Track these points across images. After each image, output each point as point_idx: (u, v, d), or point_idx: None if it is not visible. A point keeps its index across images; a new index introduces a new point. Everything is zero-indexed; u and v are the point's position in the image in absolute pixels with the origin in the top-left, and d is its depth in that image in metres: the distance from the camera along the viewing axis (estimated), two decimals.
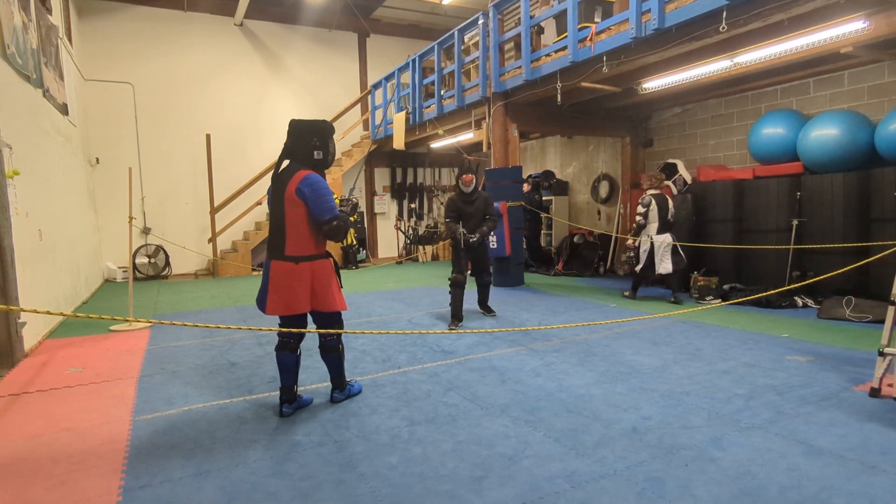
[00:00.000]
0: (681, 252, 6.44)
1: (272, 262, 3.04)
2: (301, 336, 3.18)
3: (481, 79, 8.01)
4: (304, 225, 3.01)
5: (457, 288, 5.42)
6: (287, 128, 3.12)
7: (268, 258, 3.08)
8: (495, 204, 7.57)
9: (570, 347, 4.48)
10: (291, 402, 3.17)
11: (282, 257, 3.01)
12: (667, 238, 6.41)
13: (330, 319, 3.20)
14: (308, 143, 3.07)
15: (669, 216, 6.47)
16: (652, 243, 6.44)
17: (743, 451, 2.53)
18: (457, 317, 5.47)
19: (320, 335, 3.19)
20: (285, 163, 3.10)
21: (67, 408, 3.38)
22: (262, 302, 3.08)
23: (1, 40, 4.65)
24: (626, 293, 6.86)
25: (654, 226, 6.44)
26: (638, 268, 6.65)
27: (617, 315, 5.67)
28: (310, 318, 3.21)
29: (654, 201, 6.40)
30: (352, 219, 3.35)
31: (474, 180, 5.56)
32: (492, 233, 6.04)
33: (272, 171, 3.13)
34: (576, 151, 10.77)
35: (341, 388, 3.35)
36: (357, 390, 3.50)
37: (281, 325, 3.15)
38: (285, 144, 3.09)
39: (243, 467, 2.51)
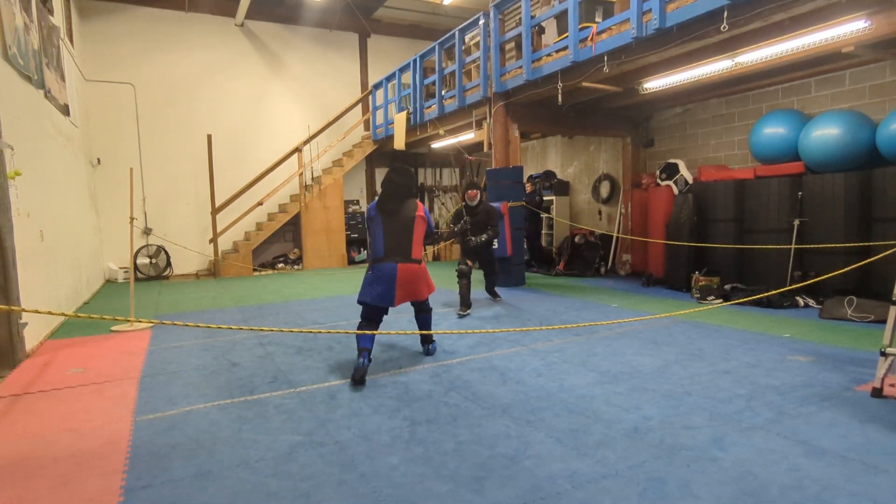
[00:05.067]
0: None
1: (399, 265, 3.88)
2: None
3: (482, 79, 8.01)
4: (422, 237, 4.09)
5: (462, 278, 6.04)
6: (397, 171, 4.14)
7: (389, 261, 3.89)
8: (496, 204, 7.67)
9: (572, 347, 4.48)
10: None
11: (409, 260, 3.93)
12: None
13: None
14: (414, 185, 4.46)
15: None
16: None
17: (744, 451, 2.53)
18: (465, 303, 5.95)
19: (420, 303, 4.23)
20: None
21: (69, 408, 3.39)
22: (384, 297, 3.88)
23: (3, 41, 4.66)
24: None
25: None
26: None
27: (618, 315, 5.67)
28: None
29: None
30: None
31: (479, 195, 6.35)
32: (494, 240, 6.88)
33: (383, 198, 4.07)
34: (577, 151, 10.77)
35: (431, 341, 4.38)
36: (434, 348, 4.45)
37: (370, 312, 3.96)
38: (401, 182, 4.09)
39: (244, 467, 2.51)
